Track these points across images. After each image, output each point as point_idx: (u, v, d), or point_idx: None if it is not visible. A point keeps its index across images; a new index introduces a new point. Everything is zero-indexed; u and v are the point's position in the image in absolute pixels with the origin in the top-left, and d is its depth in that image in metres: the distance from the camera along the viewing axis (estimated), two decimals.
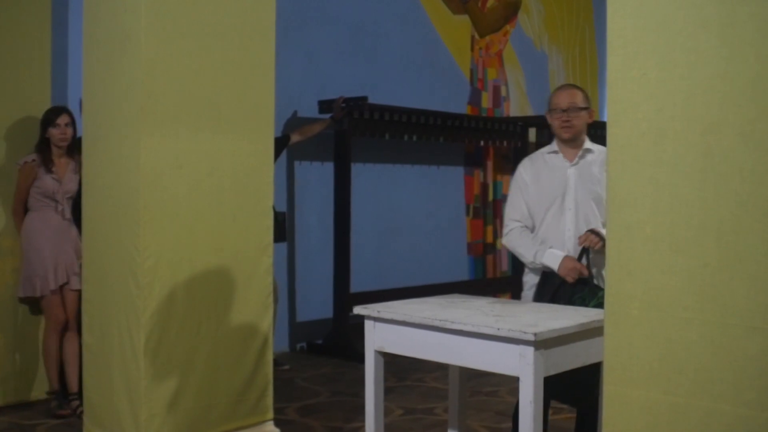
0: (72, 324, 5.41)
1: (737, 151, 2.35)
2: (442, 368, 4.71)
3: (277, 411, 4.98)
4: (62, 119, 5.39)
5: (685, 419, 2.46)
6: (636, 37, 2.56)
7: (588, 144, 4.18)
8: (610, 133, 2.61)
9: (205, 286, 4.41)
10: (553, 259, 4.07)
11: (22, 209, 5.44)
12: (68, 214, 5.43)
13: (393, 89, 8.26)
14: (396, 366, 6.03)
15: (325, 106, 7.48)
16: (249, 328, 4.59)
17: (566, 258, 4.04)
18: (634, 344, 2.56)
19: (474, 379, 5.67)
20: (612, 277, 2.61)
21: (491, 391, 5.94)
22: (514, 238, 4.21)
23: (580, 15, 10.63)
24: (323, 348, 7.55)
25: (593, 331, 3.24)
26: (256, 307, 4.62)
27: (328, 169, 7.73)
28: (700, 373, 2.43)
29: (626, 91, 2.58)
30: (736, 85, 2.36)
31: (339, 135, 7.50)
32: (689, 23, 2.44)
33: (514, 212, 4.23)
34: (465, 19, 9.19)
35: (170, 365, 4.27)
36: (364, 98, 7.43)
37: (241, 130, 4.53)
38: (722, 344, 2.39)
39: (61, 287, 5.41)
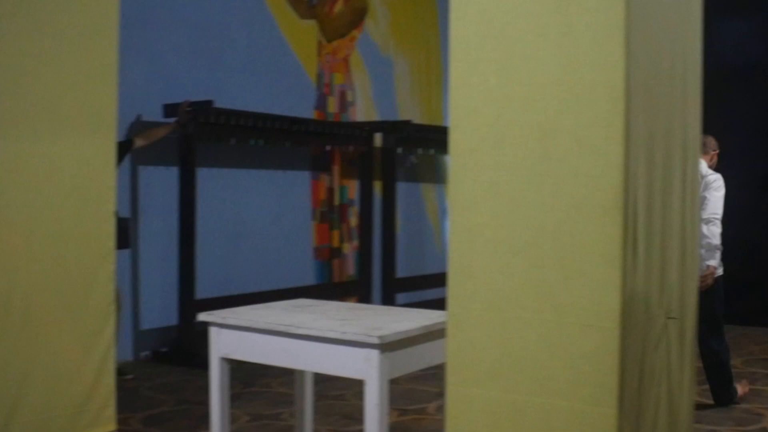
0: None
1: (573, 155, 2.43)
2: (288, 373, 4.70)
3: (121, 422, 4.86)
4: None
5: (524, 416, 2.53)
6: (478, 44, 2.61)
7: None
8: (452, 138, 2.66)
9: (44, 295, 4.26)
10: (714, 259, 5.44)
11: None
12: None
13: (239, 93, 8.18)
14: (242, 372, 5.97)
15: (170, 109, 7.34)
16: (90, 337, 4.47)
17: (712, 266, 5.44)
18: (476, 344, 2.62)
19: (320, 383, 5.68)
20: (453, 279, 2.66)
21: (338, 395, 5.96)
22: (719, 230, 5.42)
23: (426, 21, 10.79)
24: (168, 356, 7.41)
25: (437, 333, 3.29)
26: (97, 316, 4.49)
27: (172, 173, 7.59)
28: (539, 371, 2.50)
29: (467, 98, 2.63)
30: (573, 92, 2.44)
31: (184, 139, 7.37)
32: (528, 31, 2.52)
33: (721, 210, 5.47)
34: (312, 24, 9.20)
35: (6, 377, 4.11)
36: (210, 102, 7.33)
37: (82, 133, 4.40)
38: (559, 342, 2.47)
39: None
